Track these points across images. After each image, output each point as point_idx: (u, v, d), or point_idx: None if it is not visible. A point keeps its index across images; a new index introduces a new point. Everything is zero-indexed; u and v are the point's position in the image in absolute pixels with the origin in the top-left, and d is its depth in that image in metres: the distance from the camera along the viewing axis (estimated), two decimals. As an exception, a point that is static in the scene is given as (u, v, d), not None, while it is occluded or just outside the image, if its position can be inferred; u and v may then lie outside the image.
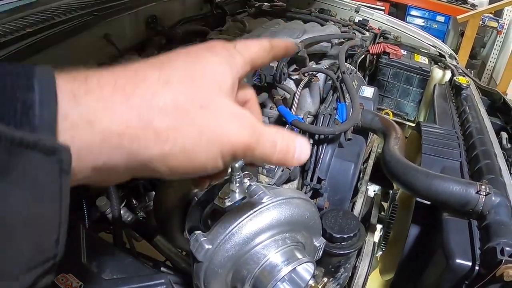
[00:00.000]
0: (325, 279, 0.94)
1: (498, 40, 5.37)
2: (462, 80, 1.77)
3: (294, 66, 1.52)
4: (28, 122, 0.30)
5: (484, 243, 0.95)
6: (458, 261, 0.93)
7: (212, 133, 0.40)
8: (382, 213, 1.71)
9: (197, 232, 0.71)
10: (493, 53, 5.43)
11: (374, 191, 2.19)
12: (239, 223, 0.68)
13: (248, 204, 0.70)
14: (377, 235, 1.57)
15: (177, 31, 1.80)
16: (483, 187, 0.99)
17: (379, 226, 1.60)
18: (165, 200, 0.92)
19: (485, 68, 5.55)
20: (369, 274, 1.27)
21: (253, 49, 0.51)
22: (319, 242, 0.85)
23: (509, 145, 1.57)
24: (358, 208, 1.43)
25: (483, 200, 0.98)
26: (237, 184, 0.74)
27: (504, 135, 1.60)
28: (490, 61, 5.49)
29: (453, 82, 1.84)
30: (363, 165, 1.69)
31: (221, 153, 0.42)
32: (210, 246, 0.68)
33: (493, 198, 0.99)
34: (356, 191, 1.45)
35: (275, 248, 0.71)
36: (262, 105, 1.43)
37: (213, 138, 0.41)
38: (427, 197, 1.06)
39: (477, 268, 0.92)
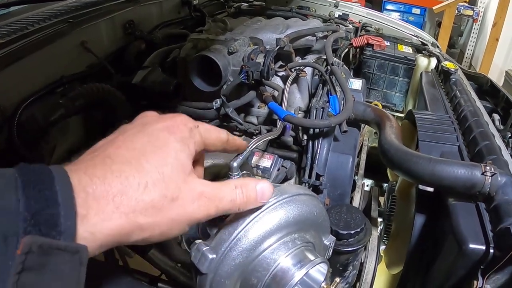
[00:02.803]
0: (337, 279, 0.89)
1: (474, 28, 5.43)
2: (450, 65, 1.75)
3: (280, 63, 1.48)
4: (57, 229, 0.40)
5: (496, 225, 0.91)
6: (471, 245, 0.89)
7: (181, 217, 0.52)
8: (381, 207, 1.67)
9: (198, 241, 0.64)
10: (471, 41, 5.49)
11: (367, 185, 2.15)
12: (244, 226, 0.62)
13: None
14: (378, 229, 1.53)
15: (157, 35, 1.74)
16: (488, 167, 0.96)
17: (379, 220, 1.56)
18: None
19: (463, 57, 5.60)
20: (377, 266, 1.22)
21: (212, 136, 0.61)
22: (329, 240, 0.80)
23: (501, 127, 1.55)
24: (356, 203, 1.39)
25: (489, 181, 0.94)
26: None
27: (496, 116, 1.58)
28: (468, 49, 5.54)
29: (441, 68, 1.81)
30: (357, 157, 1.65)
31: (189, 225, 0.54)
32: (214, 256, 0.61)
33: (499, 178, 0.95)
34: (353, 186, 1.41)
35: (285, 251, 0.65)
36: (250, 105, 1.39)
37: (182, 221, 0.52)
38: (431, 183, 1.02)
39: (491, 251, 0.87)
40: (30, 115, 1.15)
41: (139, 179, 0.48)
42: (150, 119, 0.56)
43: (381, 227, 1.62)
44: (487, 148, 1.15)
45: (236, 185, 0.57)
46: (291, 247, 0.66)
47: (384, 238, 1.54)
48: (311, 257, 0.67)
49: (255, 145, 0.73)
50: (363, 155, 1.73)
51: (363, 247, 1.03)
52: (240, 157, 0.68)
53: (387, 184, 2.09)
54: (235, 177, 0.67)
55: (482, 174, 0.95)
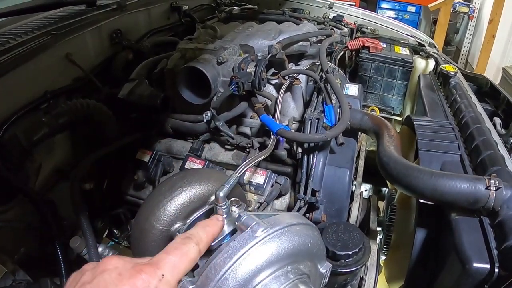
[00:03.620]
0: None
1: (470, 25, 5.38)
2: (449, 68, 1.70)
3: (273, 70, 1.42)
4: None
5: (501, 241, 0.86)
6: (475, 265, 0.84)
7: None
8: (380, 215, 1.62)
9: (184, 277, 0.59)
10: (467, 38, 5.44)
11: (365, 190, 2.10)
12: (232, 264, 0.57)
13: (240, 240, 0.59)
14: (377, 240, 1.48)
15: (145, 44, 1.69)
16: (492, 181, 0.91)
17: (378, 229, 1.51)
18: (145, 237, 0.80)
19: (460, 54, 5.56)
20: (376, 285, 1.17)
21: (182, 269, 0.55)
22: (325, 268, 0.74)
23: (503, 131, 1.50)
24: (355, 214, 1.34)
25: (494, 195, 0.90)
26: (224, 215, 0.64)
27: (497, 120, 1.53)
28: (465, 46, 5.49)
29: (440, 71, 1.76)
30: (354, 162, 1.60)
31: None
32: None
33: (504, 192, 0.90)
34: (351, 196, 1.36)
35: (278, 286, 0.60)
36: (243, 115, 1.34)
37: None
38: (433, 199, 0.98)
39: (496, 270, 0.83)
40: (13, 135, 1.10)
41: None
42: (109, 281, 0.49)
43: (381, 237, 1.57)
44: (490, 158, 1.10)
45: None
46: (284, 281, 0.61)
47: (384, 248, 1.49)
48: None
49: (243, 170, 0.68)
50: (361, 162, 1.67)
51: (362, 267, 0.98)
52: (227, 186, 0.63)
53: (386, 189, 2.05)
54: (223, 207, 0.62)
55: (486, 188, 0.90)
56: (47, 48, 1.34)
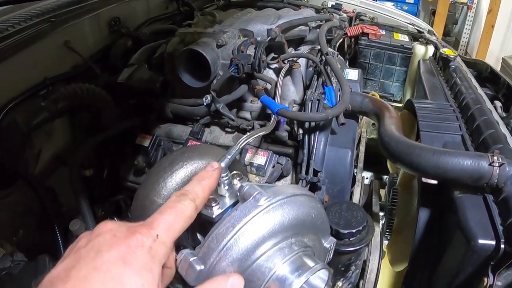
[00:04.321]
0: (339, 283, 0.84)
1: (469, 15, 5.36)
2: (449, 52, 1.69)
3: (272, 55, 1.41)
4: None
5: (505, 218, 0.86)
6: (480, 241, 0.84)
7: None
8: (382, 200, 1.61)
9: (185, 250, 0.58)
10: (466, 29, 5.42)
11: (366, 178, 2.10)
12: (234, 234, 0.55)
13: (242, 209, 0.58)
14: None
15: (144, 31, 1.68)
16: (495, 157, 0.90)
17: (380, 214, 1.51)
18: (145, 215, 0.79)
19: (459, 45, 5.54)
20: (380, 267, 1.17)
21: (177, 228, 0.53)
22: (329, 243, 0.73)
23: (504, 114, 1.49)
24: (357, 198, 1.33)
25: (497, 171, 0.89)
26: (226, 187, 0.62)
27: (498, 103, 1.52)
28: (464, 37, 5.48)
29: (439, 55, 1.75)
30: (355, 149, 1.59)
31: None
32: (202, 267, 0.55)
33: (507, 169, 0.89)
34: (353, 180, 1.35)
35: (281, 257, 0.59)
36: (242, 100, 1.33)
37: None
38: (436, 176, 0.97)
39: (502, 246, 0.82)
40: (12, 121, 1.09)
41: None
42: (103, 242, 0.48)
43: (383, 222, 1.56)
44: (492, 137, 1.10)
45: None
46: (288, 253, 0.59)
47: (387, 233, 1.49)
48: (311, 263, 0.60)
49: (244, 143, 0.67)
50: (362, 148, 1.67)
51: (366, 246, 0.97)
52: (228, 157, 0.62)
53: (387, 177, 2.04)
54: (224, 178, 0.61)
55: (490, 164, 0.90)
56: (46, 35, 1.33)
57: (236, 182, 0.65)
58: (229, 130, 1.26)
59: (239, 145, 0.65)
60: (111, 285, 0.44)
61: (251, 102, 1.33)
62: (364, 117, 1.92)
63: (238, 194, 0.62)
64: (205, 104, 1.23)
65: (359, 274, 1.11)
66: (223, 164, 0.61)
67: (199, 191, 0.57)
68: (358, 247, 0.93)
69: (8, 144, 1.05)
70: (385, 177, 2.12)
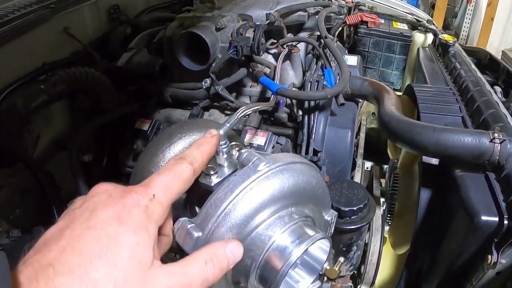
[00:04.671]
0: (341, 259, 0.83)
1: (469, 9, 5.35)
2: (448, 37, 1.68)
3: (272, 40, 1.41)
4: None
5: (508, 194, 0.85)
6: (484, 218, 0.83)
7: None
8: (382, 186, 1.61)
9: (183, 218, 0.57)
10: (465, 22, 5.41)
11: (366, 168, 2.09)
12: (233, 199, 0.54)
13: (241, 175, 0.57)
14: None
15: (143, 19, 1.68)
16: (496, 134, 0.89)
17: (381, 200, 1.50)
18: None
19: (459, 38, 5.53)
20: (382, 250, 1.16)
21: (174, 190, 0.52)
22: (330, 215, 0.73)
23: (504, 99, 1.49)
24: (357, 181, 1.32)
25: (499, 148, 0.88)
26: (225, 156, 0.61)
27: (498, 89, 1.52)
28: (463, 31, 5.46)
29: (438, 41, 1.75)
30: (355, 138, 1.59)
31: None
32: (200, 234, 0.54)
33: (509, 146, 0.89)
34: (353, 165, 1.35)
35: (281, 226, 0.58)
36: (242, 84, 1.32)
37: None
38: (437, 154, 0.96)
39: (505, 222, 0.81)
40: (11, 103, 1.09)
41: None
42: (98, 202, 0.48)
43: (384, 208, 1.56)
44: (492, 116, 1.09)
45: (206, 259, 0.50)
46: (288, 221, 0.59)
47: (388, 218, 1.48)
48: (311, 232, 0.60)
49: (244, 113, 0.66)
50: (362, 135, 1.66)
51: (367, 225, 0.97)
52: (227, 125, 0.62)
53: (387, 166, 2.04)
54: (223, 147, 0.60)
55: (491, 141, 0.89)
56: (45, 21, 1.33)
57: (235, 153, 0.63)
58: (228, 112, 1.26)
59: (238, 114, 0.64)
60: (105, 242, 0.44)
61: (250, 87, 1.32)
62: (364, 106, 1.93)
63: (237, 162, 0.61)
64: (204, 87, 1.22)
65: (360, 255, 1.11)
66: (221, 132, 0.60)
67: (198, 155, 0.56)
68: (359, 225, 0.93)
69: (7, 127, 1.05)
70: (385, 166, 2.11)
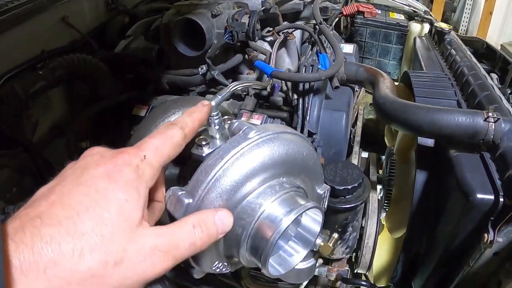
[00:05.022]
0: (335, 235, 0.83)
1: (468, 3, 5.34)
2: (443, 25, 1.69)
3: (268, 28, 1.41)
4: None
5: (503, 172, 0.84)
6: (479, 195, 0.82)
7: (131, 281, 0.45)
8: (379, 173, 1.61)
9: (174, 187, 0.58)
10: (464, 17, 5.40)
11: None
12: (223, 164, 0.55)
13: (232, 142, 0.58)
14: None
15: (141, 9, 1.69)
16: (490, 113, 0.90)
17: (378, 187, 1.51)
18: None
19: (458, 32, 5.53)
20: (378, 233, 1.17)
21: (165, 152, 0.52)
22: (323, 189, 0.73)
23: (500, 86, 1.49)
24: (354, 168, 1.33)
25: (493, 127, 0.88)
26: (217, 127, 0.61)
27: (494, 75, 1.52)
28: (462, 25, 5.46)
29: (434, 29, 1.75)
30: (352, 127, 1.59)
31: (144, 284, 0.47)
32: (191, 200, 0.55)
33: (503, 125, 0.89)
34: (350, 150, 1.35)
35: (272, 195, 0.58)
36: (238, 72, 1.33)
37: (133, 284, 0.45)
38: (431, 133, 0.96)
39: (501, 200, 0.80)
40: (10, 89, 1.10)
41: (73, 244, 0.41)
42: (90, 161, 0.48)
43: (381, 195, 1.56)
44: (487, 98, 1.10)
45: (194, 224, 0.51)
46: (279, 190, 0.59)
47: (385, 204, 1.48)
48: (302, 201, 0.60)
49: (236, 87, 0.67)
50: (359, 123, 1.67)
51: (363, 204, 0.97)
52: (219, 97, 0.62)
53: (384, 156, 2.04)
54: (215, 118, 0.61)
55: (485, 120, 0.89)
56: (44, 10, 1.34)
57: (227, 126, 0.64)
58: (224, 97, 1.27)
59: (230, 88, 0.65)
60: (95, 197, 0.44)
61: (247, 74, 1.33)
62: (361, 96, 1.93)
63: (228, 131, 0.62)
64: (200, 73, 1.23)
65: (357, 238, 1.11)
66: (213, 103, 0.60)
67: (189, 121, 0.57)
68: (354, 204, 0.94)
69: (6, 111, 1.06)
70: (383, 157, 2.12)
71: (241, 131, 0.58)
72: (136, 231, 0.46)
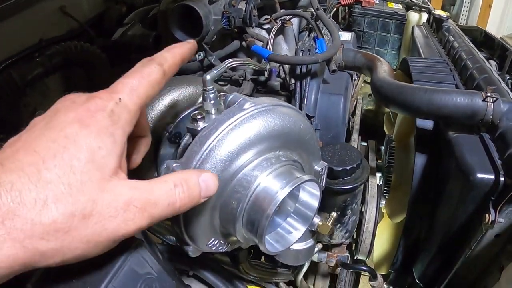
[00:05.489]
0: (334, 214, 0.83)
1: (467, -3, 5.33)
2: (441, 12, 1.69)
3: (265, 16, 1.41)
4: None
5: (503, 151, 0.84)
6: (479, 175, 0.82)
7: (100, 237, 0.41)
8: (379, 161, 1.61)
9: (168, 160, 0.57)
10: (464, 10, 5.39)
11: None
12: (218, 135, 0.54)
13: (227, 113, 0.57)
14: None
15: (139, -1, 1.70)
16: (489, 94, 0.89)
17: (378, 175, 1.50)
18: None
19: (456, 26, 5.52)
20: (377, 219, 1.16)
21: (142, 92, 0.48)
22: (320, 166, 0.73)
23: (499, 72, 1.49)
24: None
25: (492, 107, 0.88)
26: (212, 101, 0.60)
27: (493, 63, 1.52)
28: (461, 18, 5.44)
29: (432, 16, 1.75)
30: (352, 116, 1.59)
31: (115, 242, 0.43)
32: None
33: (502, 105, 0.89)
34: (348, 138, 1.35)
35: (268, 167, 0.58)
36: (235, 57, 1.32)
37: (102, 242, 0.41)
38: (429, 114, 0.96)
39: (502, 179, 0.80)
40: (8, 75, 1.10)
41: (36, 193, 0.37)
42: (60, 108, 0.44)
43: (381, 183, 1.56)
44: (485, 80, 1.10)
45: (175, 183, 0.46)
46: (275, 163, 0.59)
47: (385, 191, 1.48)
48: (298, 174, 0.60)
49: (231, 63, 0.66)
50: (358, 112, 1.67)
51: (362, 186, 0.97)
52: (214, 71, 0.62)
53: (383, 147, 2.04)
54: (210, 92, 0.60)
55: (483, 100, 0.88)
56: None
57: (222, 103, 0.64)
58: (221, 83, 1.26)
59: (225, 64, 0.65)
60: (63, 143, 0.40)
61: (245, 62, 1.32)
62: (360, 85, 1.93)
63: (223, 106, 0.61)
64: (198, 59, 1.23)
65: (356, 222, 1.11)
66: (208, 77, 0.60)
67: (168, 56, 0.53)
68: (353, 186, 0.93)
69: (3, 98, 1.06)
70: (382, 148, 2.12)
71: (236, 103, 0.58)
72: (109, 181, 0.42)
